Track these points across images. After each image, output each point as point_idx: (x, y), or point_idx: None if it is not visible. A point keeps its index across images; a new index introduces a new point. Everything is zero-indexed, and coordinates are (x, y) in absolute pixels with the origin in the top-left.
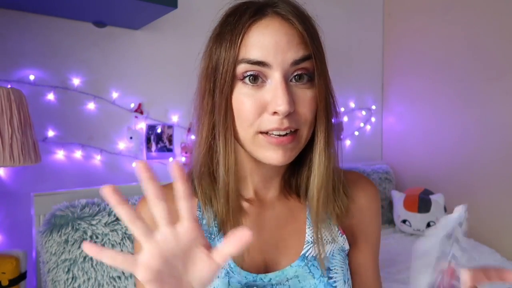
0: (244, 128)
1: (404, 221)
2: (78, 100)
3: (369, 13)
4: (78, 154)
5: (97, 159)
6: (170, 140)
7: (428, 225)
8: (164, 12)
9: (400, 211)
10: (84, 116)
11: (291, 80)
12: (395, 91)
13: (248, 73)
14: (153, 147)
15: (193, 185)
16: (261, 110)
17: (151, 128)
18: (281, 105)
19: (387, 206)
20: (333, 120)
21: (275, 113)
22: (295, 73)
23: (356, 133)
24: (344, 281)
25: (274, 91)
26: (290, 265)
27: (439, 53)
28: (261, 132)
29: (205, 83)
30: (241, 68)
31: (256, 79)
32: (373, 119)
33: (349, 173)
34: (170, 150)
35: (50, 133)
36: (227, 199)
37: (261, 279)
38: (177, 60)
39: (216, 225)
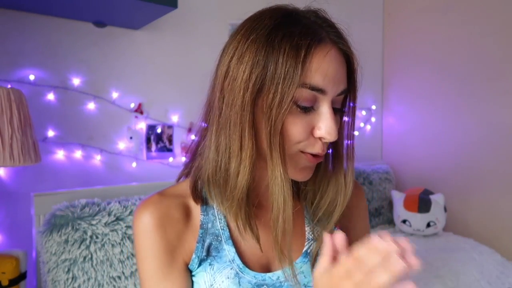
0: (289, 146)
1: (404, 221)
2: (78, 100)
3: (369, 13)
4: (78, 154)
5: (97, 159)
6: (170, 140)
7: (428, 225)
8: (164, 12)
9: (400, 211)
10: (84, 116)
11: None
12: (395, 91)
13: (305, 104)
14: (153, 147)
15: (197, 188)
16: (309, 133)
17: (151, 128)
18: (332, 135)
19: (387, 206)
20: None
21: (321, 138)
22: (335, 106)
23: (356, 133)
24: None
25: (324, 119)
26: (295, 262)
27: (439, 53)
28: (301, 152)
29: (242, 95)
30: (302, 92)
31: (310, 108)
32: (373, 119)
33: None
34: (170, 150)
35: (50, 133)
36: (240, 206)
37: (270, 277)
38: (177, 60)
39: (225, 228)
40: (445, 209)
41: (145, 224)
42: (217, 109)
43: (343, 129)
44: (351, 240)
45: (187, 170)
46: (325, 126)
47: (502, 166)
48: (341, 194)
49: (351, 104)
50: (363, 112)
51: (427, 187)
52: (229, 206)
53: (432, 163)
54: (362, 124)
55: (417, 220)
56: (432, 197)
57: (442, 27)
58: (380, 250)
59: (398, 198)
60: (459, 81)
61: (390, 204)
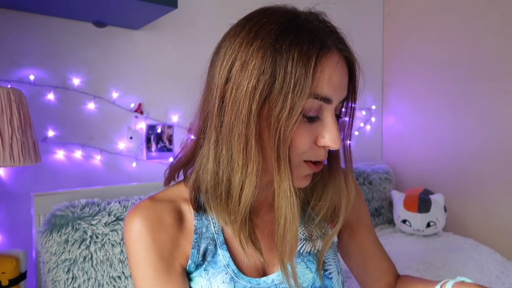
0: (293, 156)
1: (404, 221)
2: (78, 100)
3: (369, 13)
4: (78, 154)
5: (97, 159)
6: (170, 140)
7: (428, 225)
8: (164, 12)
9: (400, 211)
10: (84, 116)
11: None
12: (395, 91)
13: (311, 114)
14: (153, 147)
15: (198, 199)
16: (313, 142)
17: (151, 128)
18: (337, 143)
19: (387, 206)
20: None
21: (325, 146)
22: (337, 112)
23: (356, 133)
24: (338, 272)
25: (329, 128)
26: (288, 264)
27: (439, 53)
28: (304, 161)
29: (248, 103)
30: (310, 102)
31: (316, 118)
32: (373, 119)
33: None
34: (170, 150)
35: (50, 133)
36: (244, 222)
37: (264, 281)
38: (177, 60)
39: (219, 232)
40: (445, 209)
41: (137, 230)
42: (216, 117)
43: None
44: (356, 228)
45: (176, 172)
46: (329, 134)
47: (502, 166)
48: (343, 198)
49: (350, 104)
50: (363, 112)
51: (427, 187)
52: (233, 221)
53: (432, 163)
54: (362, 124)
55: (417, 220)
56: (432, 197)
57: (442, 27)
58: None
59: (398, 198)
60: (459, 81)
61: (390, 204)
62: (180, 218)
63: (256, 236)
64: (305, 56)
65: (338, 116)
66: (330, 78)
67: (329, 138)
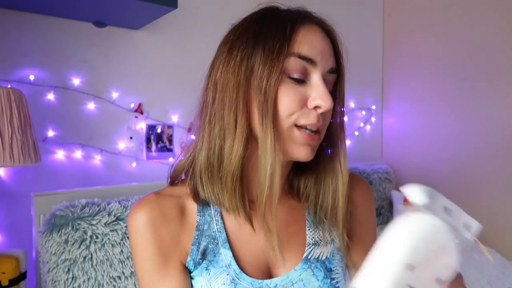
0: (282, 119)
1: None
2: (78, 100)
3: (369, 13)
4: (78, 154)
5: (97, 159)
6: (170, 140)
7: None
8: (164, 12)
9: (400, 211)
10: (84, 116)
11: None
12: (395, 91)
13: (297, 75)
14: (153, 147)
15: (194, 188)
16: (303, 104)
17: (151, 128)
18: (327, 102)
19: (387, 206)
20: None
21: (316, 107)
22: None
23: (356, 133)
24: (345, 280)
25: (317, 88)
26: (294, 269)
27: (439, 53)
28: (296, 126)
29: (236, 75)
30: (291, 61)
31: (303, 77)
32: (373, 119)
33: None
34: (170, 150)
35: (50, 133)
36: (235, 185)
37: (267, 285)
38: (177, 60)
39: (222, 230)
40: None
41: (139, 223)
42: (210, 99)
43: (335, 110)
44: (354, 243)
45: (180, 173)
46: (317, 93)
47: (502, 166)
48: (338, 183)
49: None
50: (363, 112)
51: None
52: (223, 187)
53: (432, 163)
54: (362, 124)
55: None
56: None
57: (442, 26)
58: None
59: (398, 198)
60: (459, 81)
61: (390, 204)
62: (183, 213)
63: (247, 204)
64: (282, 26)
65: (332, 95)
66: (310, 40)
67: (317, 95)
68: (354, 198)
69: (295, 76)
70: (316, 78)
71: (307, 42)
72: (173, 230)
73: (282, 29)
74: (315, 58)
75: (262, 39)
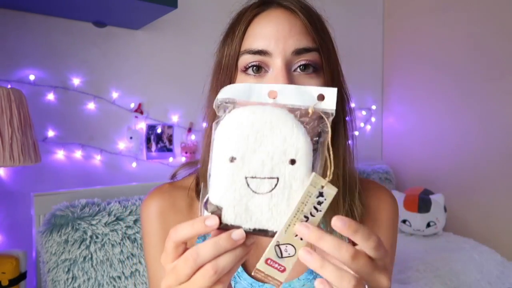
0: None
1: (404, 221)
2: (78, 100)
3: (369, 13)
4: (78, 154)
5: (97, 159)
6: (170, 140)
7: (428, 225)
8: (164, 12)
9: (400, 211)
10: (84, 116)
11: (295, 70)
12: (395, 91)
13: (250, 64)
14: (153, 147)
15: (198, 184)
16: None
17: (151, 128)
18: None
19: None
20: (347, 118)
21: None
22: (300, 63)
23: (356, 133)
24: None
25: (275, 79)
26: (298, 278)
27: (439, 53)
28: None
29: (212, 79)
30: (243, 59)
31: (259, 69)
32: (373, 119)
33: (366, 181)
34: (170, 150)
35: (50, 133)
36: None
37: None
38: (177, 60)
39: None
40: (445, 209)
41: (150, 212)
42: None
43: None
44: None
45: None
46: (275, 80)
47: (502, 166)
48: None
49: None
50: (363, 112)
51: (427, 187)
52: None
53: (432, 163)
54: (362, 124)
55: (417, 220)
56: (432, 197)
57: (442, 27)
58: None
59: (398, 198)
60: (459, 81)
61: None
62: (192, 205)
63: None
64: (238, 24)
65: (308, 67)
66: (254, 31)
67: (274, 82)
68: (374, 210)
69: (252, 72)
70: (274, 68)
71: (259, 34)
72: (181, 220)
73: (238, 27)
74: (267, 48)
75: (224, 43)
